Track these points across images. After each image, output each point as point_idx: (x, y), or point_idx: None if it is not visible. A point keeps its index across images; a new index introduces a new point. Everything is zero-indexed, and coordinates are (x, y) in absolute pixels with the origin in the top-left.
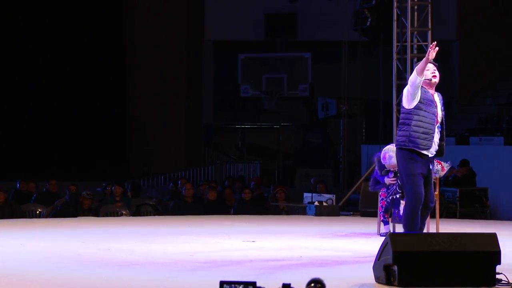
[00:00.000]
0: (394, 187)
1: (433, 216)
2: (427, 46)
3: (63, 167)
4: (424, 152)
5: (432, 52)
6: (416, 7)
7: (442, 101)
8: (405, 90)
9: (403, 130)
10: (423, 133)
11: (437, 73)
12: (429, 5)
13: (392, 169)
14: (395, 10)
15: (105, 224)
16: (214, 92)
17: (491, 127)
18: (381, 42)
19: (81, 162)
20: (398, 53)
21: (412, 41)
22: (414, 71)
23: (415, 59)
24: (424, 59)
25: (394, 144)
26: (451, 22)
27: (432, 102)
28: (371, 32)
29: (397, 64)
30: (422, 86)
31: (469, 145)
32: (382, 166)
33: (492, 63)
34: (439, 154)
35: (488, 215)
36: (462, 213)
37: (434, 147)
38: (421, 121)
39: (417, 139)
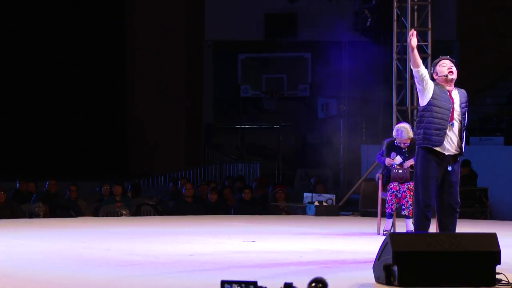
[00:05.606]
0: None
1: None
2: (427, 46)
3: (63, 167)
4: (438, 149)
5: (413, 39)
6: (416, 7)
7: (465, 98)
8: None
9: (419, 128)
10: (435, 129)
11: (454, 69)
12: (429, 5)
13: (403, 144)
14: (395, 10)
15: (105, 224)
16: (214, 92)
17: (491, 127)
18: (381, 42)
19: (81, 162)
20: (398, 53)
21: None
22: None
23: None
24: (409, 49)
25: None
26: (451, 22)
27: (447, 98)
28: (371, 32)
29: (397, 64)
30: (438, 83)
31: (469, 145)
32: (389, 149)
33: (492, 63)
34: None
35: (488, 215)
36: (462, 213)
37: (451, 145)
38: (433, 117)
39: (431, 136)
